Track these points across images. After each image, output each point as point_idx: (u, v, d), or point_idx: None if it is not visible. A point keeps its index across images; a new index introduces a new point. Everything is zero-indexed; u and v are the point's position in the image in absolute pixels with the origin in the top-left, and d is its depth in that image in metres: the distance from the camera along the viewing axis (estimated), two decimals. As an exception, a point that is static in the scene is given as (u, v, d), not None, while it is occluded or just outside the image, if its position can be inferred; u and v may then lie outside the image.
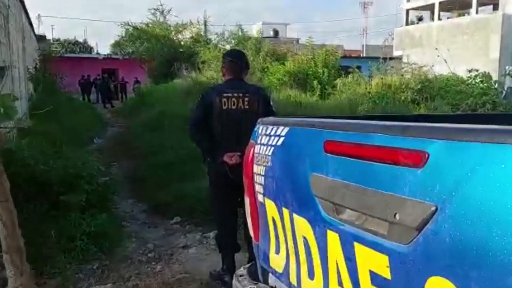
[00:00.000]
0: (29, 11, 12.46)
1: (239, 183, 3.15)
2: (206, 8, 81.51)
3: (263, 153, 1.80)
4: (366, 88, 9.96)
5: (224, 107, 3.09)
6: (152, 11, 21.94)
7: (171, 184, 5.81)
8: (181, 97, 12.30)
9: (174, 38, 21.78)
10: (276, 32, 36.31)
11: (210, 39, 21.07)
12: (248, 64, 3.34)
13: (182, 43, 21.62)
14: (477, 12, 23.86)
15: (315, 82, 13.63)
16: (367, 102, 9.86)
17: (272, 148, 1.73)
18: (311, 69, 14.59)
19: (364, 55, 31.78)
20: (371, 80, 11.36)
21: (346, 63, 16.33)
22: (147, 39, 21.43)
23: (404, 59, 17.81)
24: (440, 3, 26.20)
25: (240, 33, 19.73)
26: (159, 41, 20.79)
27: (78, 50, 33.75)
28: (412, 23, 29.18)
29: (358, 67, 14.35)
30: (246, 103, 3.12)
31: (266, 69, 15.55)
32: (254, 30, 22.94)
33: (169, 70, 20.22)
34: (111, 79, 25.66)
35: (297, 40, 34.90)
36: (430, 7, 27.64)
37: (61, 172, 4.19)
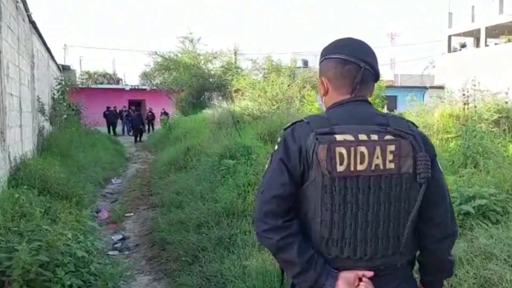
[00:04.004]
0: (56, 44, 11.38)
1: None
2: (235, 38, 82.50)
3: None
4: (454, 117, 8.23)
5: (340, 168, 1.29)
6: (181, 39, 20.90)
7: (203, 255, 4.11)
8: (212, 129, 10.76)
9: (204, 67, 20.62)
10: (305, 62, 35.80)
11: (241, 68, 19.86)
12: (378, 70, 1.48)
13: (212, 72, 20.43)
14: (529, 36, 21.93)
15: (358, 111, 12.06)
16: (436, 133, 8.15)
17: None
18: (353, 98, 13.12)
19: (399, 84, 30.22)
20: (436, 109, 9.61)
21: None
22: (176, 68, 20.34)
23: (447, 88, 16.31)
24: (486, 28, 24.36)
25: (273, 62, 18.49)
26: (188, 70, 19.63)
27: (106, 81, 33.18)
28: (455, 50, 27.40)
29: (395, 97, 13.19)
30: (391, 156, 1.31)
31: (303, 98, 14.15)
32: (286, 60, 21.83)
33: (198, 101, 19.13)
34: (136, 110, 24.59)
35: (327, 70, 34.23)
36: (474, 33, 25.82)
37: (29, 258, 2.56)
